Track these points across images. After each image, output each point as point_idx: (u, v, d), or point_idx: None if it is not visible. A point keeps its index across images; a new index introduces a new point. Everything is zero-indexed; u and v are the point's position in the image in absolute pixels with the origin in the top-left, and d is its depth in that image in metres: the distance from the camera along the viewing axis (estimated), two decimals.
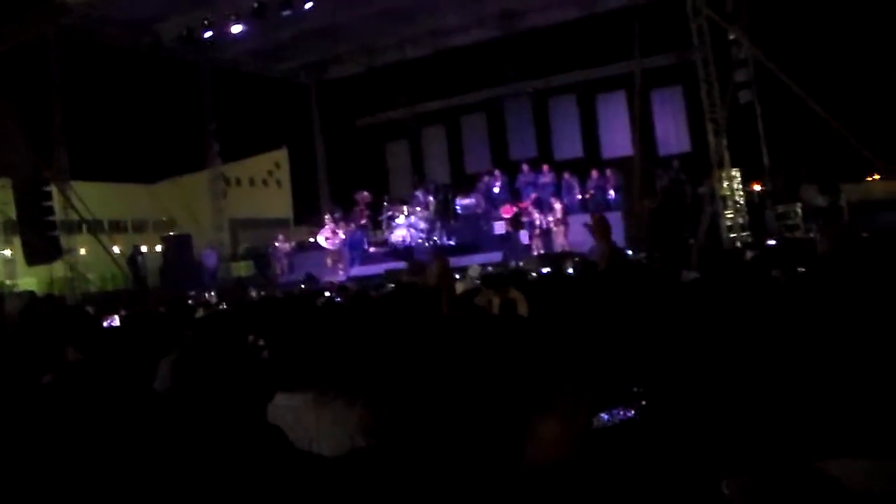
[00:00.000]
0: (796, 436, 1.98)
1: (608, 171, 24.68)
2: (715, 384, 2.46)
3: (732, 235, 19.67)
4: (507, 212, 23.72)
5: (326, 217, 26.04)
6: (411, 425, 2.74)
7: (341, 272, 24.06)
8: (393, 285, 14.39)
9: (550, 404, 1.96)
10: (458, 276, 16.30)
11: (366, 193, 27.10)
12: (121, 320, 9.16)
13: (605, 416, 2.14)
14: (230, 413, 3.21)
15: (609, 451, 2.07)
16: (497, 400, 2.03)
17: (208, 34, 24.15)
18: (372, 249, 26.05)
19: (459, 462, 2.02)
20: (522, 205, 23.90)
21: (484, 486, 1.93)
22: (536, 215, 23.44)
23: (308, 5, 22.13)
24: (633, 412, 2.17)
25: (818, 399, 1.99)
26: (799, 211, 20.62)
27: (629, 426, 2.15)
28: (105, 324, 8.97)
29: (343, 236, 25.31)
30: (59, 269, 24.93)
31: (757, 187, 22.89)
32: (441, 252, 21.79)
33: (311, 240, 29.87)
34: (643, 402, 2.21)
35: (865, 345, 2.06)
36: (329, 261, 24.94)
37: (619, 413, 2.15)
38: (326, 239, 25.34)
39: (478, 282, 9.48)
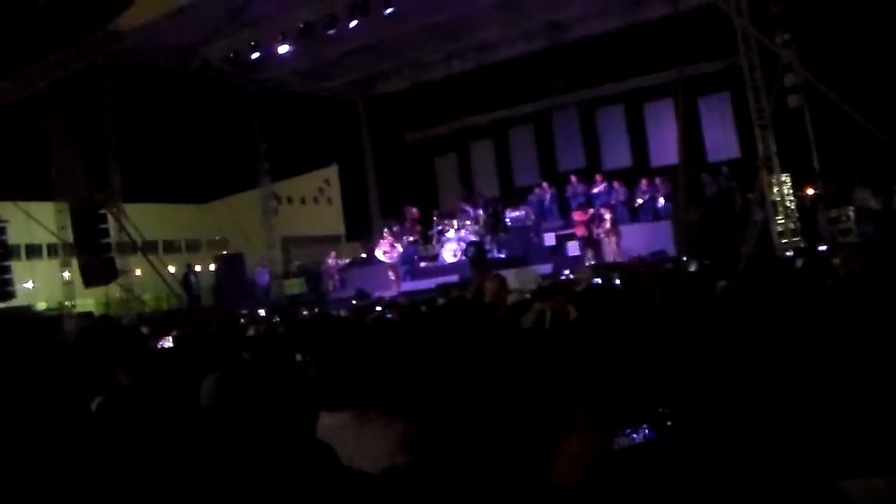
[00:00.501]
0: (822, 455, 1.98)
1: (657, 180, 24.56)
2: (743, 402, 2.45)
3: (784, 241, 19.42)
4: (581, 216, 23.50)
5: (385, 231, 26.19)
6: (449, 441, 2.77)
7: (395, 287, 24.17)
8: (443, 300, 14.43)
9: (573, 422, 1.99)
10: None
11: (414, 210, 27.23)
12: (173, 340, 9.28)
13: (630, 436, 2.15)
14: (277, 429, 3.26)
15: (632, 471, 2.08)
16: (526, 416, 2.06)
17: (255, 55, 24.40)
18: (423, 264, 26.11)
19: (489, 478, 2.05)
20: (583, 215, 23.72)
21: (510, 500, 1.96)
22: (581, 229, 23.39)
23: (353, 24, 22.25)
24: (657, 433, 2.17)
25: (843, 419, 2.00)
26: (851, 214, 20.31)
27: (653, 447, 2.15)
28: (159, 345, 9.09)
29: (401, 249, 25.46)
30: (114, 290, 25.33)
31: (809, 192, 22.59)
32: (494, 268, 21.86)
33: (363, 255, 30.08)
34: (668, 423, 2.21)
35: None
36: (391, 274, 25.07)
37: (642, 433, 2.16)
38: (385, 253, 25.49)
39: (527, 295, 9.46)
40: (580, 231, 23.35)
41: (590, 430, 1.99)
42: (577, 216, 23.64)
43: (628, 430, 2.12)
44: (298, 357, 6.02)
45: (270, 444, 2.59)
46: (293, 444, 2.58)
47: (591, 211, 23.52)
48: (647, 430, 2.15)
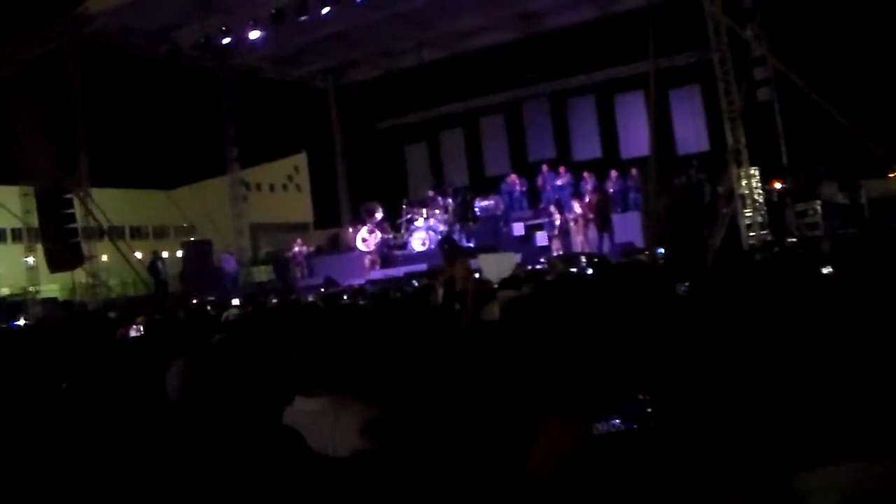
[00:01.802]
0: (794, 445, 1.99)
1: (633, 171, 24.61)
2: (721, 392, 2.46)
3: (752, 234, 19.55)
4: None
5: (366, 217, 26.25)
6: (415, 426, 2.75)
7: (365, 274, 24.13)
8: (413, 287, 14.44)
9: (551, 408, 1.98)
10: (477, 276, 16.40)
11: (378, 208, 27.05)
12: (143, 327, 9.19)
13: (611, 421, 2.14)
14: (246, 416, 3.24)
15: (611, 458, 2.07)
16: (502, 403, 2.05)
17: (226, 41, 24.23)
18: (392, 252, 26.08)
19: (462, 464, 2.04)
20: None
21: (485, 490, 1.95)
22: (557, 216, 23.45)
23: (325, 10, 22.15)
24: (637, 420, 2.17)
25: (817, 406, 2.01)
26: (819, 209, 20.50)
27: (632, 434, 2.15)
28: (131, 333, 8.98)
29: (380, 236, 25.48)
30: (80, 275, 25.11)
31: (777, 185, 22.76)
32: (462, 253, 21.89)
33: (332, 243, 30.01)
34: (648, 410, 2.21)
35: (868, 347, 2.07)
36: (367, 262, 25.05)
37: (622, 420, 2.15)
38: (363, 240, 25.49)
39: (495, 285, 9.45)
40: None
41: (568, 417, 1.98)
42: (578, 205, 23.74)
43: (608, 417, 2.11)
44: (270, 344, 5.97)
45: (238, 431, 2.57)
46: (261, 430, 2.56)
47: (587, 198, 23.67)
48: (626, 417, 2.14)
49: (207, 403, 3.47)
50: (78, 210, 23.69)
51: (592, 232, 23.02)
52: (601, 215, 22.75)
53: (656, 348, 3.18)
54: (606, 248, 22.07)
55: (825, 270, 5.72)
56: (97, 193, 25.01)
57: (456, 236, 24.60)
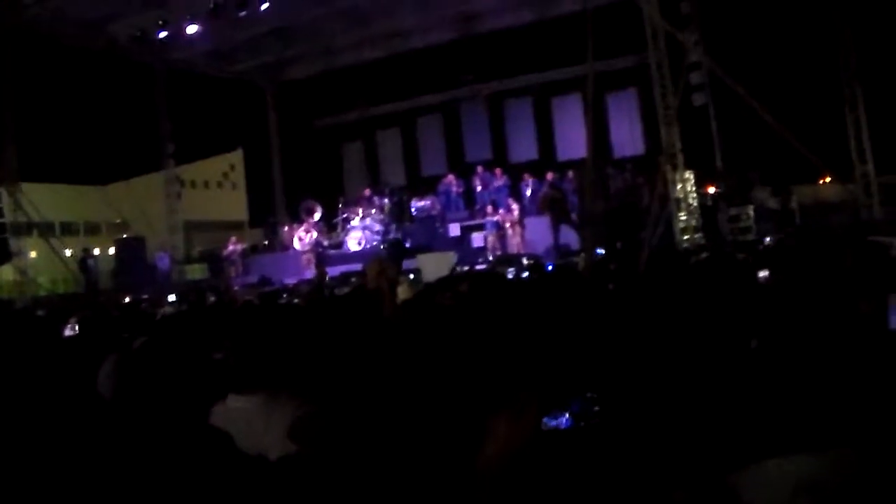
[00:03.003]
0: (734, 441, 2.00)
1: (570, 173, 24.75)
2: (664, 390, 2.47)
3: (686, 238, 19.77)
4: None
5: (303, 216, 26.13)
6: (343, 427, 2.72)
7: (301, 274, 23.98)
8: (347, 288, 14.34)
9: (501, 403, 1.96)
10: (412, 276, 16.40)
11: (316, 207, 26.94)
12: (78, 325, 9.01)
13: (556, 419, 2.14)
14: (175, 416, 3.17)
15: (559, 454, 2.06)
16: (445, 400, 2.02)
17: (163, 34, 23.94)
18: (327, 252, 25.94)
19: (406, 461, 2.00)
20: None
21: (430, 487, 1.92)
22: (496, 216, 23.58)
23: (264, 6, 22.02)
24: (584, 416, 2.16)
25: (755, 400, 2.02)
26: (751, 213, 20.80)
27: (581, 430, 2.14)
28: (65, 332, 8.79)
29: (315, 236, 25.36)
30: (8, 272, 24.60)
31: (711, 189, 23.06)
32: (392, 251, 21.94)
33: (265, 242, 29.85)
34: (596, 408, 2.21)
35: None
36: (305, 260, 24.91)
37: (570, 416, 2.14)
38: (300, 240, 25.36)
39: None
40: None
41: (518, 413, 1.96)
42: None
43: (556, 413, 2.11)
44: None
45: (164, 431, 2.52)
46: (187, 431, 2.52)
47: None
48: (574, 414, 2.13)
49: (139, 402, 3.40)
50: (6, 205, 23.20)
51: (529, 233, 23.15)
52: (559, 209, 22.74)
53: (600, 347, 3.19)
54: (561, 240, 22.12)
55: (761, 274, 5.80)
56: (27, 188, 24.44)
57: (392, 236, 24.56)
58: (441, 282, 9.04)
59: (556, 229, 22.45)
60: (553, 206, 22.72)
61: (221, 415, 3.14)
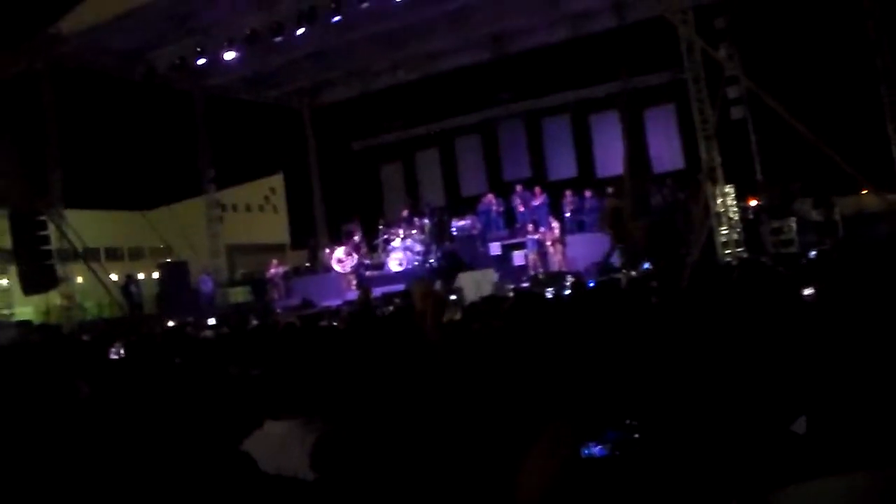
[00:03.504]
0: (774, 462, 1.99)
1: (609, 190, 24.60)
2: (704, 409, 2.45)
3: (728, 251, 19.63)
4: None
5: (346, 240, 26.36)
6: (365, 451, 2.73)
7: (343, 296, 24.08)
8: (391, 308, 14.39)
9: (541, 430, 1.96)
10: (453, 297, 16.40)
11: (357, 230, 27.10)
12: (125, 349, 9.11)
13: (598, 446, 2.13)
14: (205, 439, 3.20)
15: (597, 482, 2.06)
16: (489, 424, 2.03)
17: (201, 61, 24.15)
18: (368, 273, 26.01)
19: (444, 488, 2.01)
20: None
21: None
22: (536, 234, 23.54)
23: (300, 31, 22.15)
24: (622, 446, 2.16)
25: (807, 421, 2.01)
26: (794, 225, 20.62)
27: (619, 457, 2.14)
28: (111, 355, 8.90)
29: (356, 259, 25.46)
30: (55, 297, 24.90)
31: (752, 203, 22.88)
32: (448, 263, 21.98)
33: (308, 264, 30.00)
34: (636, 435, 2.20)
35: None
36: (346, 282, 25.06)
37: (608, 445, 2.14)
38: (339, 261, 25.47)
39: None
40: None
41: (556, 442, 1.96)
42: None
43: (595, 442, 2.10)
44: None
45: (192, 454, 2.54)
46: (214, 455, 2.54)
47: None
48: (612, 443, 2.13)
49: (168, 423, 3.45)
50: (52, 232, 23.52)
51: (570, 250, 23.12)
52: (621, 223, 21.78)
53: (640, 369, 3.17)
54: (616, 260, 21.33)
55: (807, 291, 5.71)
56: (71, 215, 24.83)
57: (433, 256, 24.57)
58: (485, 301, 9.05)
59: (613, 247, 21.62)
60: (616, 219, 21.88)
61: (258, 440, 3.16)
